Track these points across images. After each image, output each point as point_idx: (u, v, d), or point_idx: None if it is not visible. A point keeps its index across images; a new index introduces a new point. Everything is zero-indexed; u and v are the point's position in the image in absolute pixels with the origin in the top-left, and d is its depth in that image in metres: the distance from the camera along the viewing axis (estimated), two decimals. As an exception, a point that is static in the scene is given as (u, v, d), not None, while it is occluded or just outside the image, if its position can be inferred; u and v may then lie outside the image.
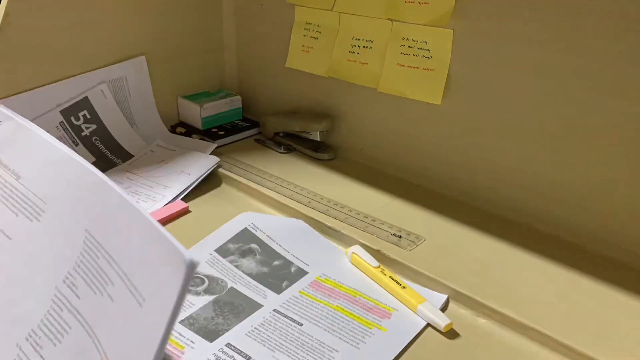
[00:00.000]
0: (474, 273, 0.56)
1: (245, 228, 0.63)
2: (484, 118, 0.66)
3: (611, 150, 0.57)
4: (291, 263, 0.58)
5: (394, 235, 0.62)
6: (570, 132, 0.59)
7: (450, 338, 0.50)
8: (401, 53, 0.71)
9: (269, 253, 0.60)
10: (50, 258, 0.38)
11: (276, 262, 0.59)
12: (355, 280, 0.56)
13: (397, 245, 0.60)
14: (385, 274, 0.57)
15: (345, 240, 0.62)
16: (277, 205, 0.69)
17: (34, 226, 0.40)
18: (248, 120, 0.92)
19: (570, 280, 0.56)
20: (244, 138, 0.88)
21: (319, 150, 0.82)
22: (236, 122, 0.91)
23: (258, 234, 0.62)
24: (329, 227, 0.64)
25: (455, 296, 0.54)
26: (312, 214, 0.66)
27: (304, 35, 0.82)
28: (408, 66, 0.70)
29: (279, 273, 0.57)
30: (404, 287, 0.55)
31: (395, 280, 0.56)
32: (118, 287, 0.34)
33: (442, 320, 0.50)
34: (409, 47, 0.70)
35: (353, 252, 0.59)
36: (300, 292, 0.54)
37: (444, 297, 0.54)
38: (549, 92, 0.60)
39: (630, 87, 0.54)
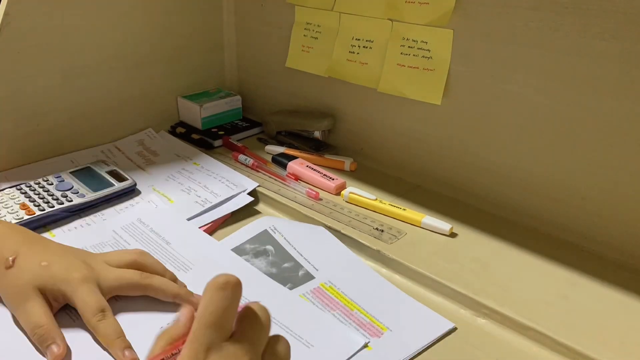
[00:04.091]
0: (474, 273, 0.56)
1: (265, 230, 0.63)
2: (484, 118, 0.66)
3: (611, 151, 0.57)
4: (301, 266, 0.58)
5: (376, 229, 0.63)
6: (570, 133, 0.59)
7: (450, 338, 0.50)
8: (401, 53, 0.71)
9: (282, 255, 0.60)
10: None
11: (286, 264, 0.59)
12: (360, 292, 0.55)
13: (379, 239, 0.61)
14: (384, 203, 0.66)
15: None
16: (269, 201, 0.70)
17: (180, 274, 0.55)
18: (248, 120, 0.92)
19: (570, 280, 0.56)
20: (244, 138, 0.88)
21: (320, 150, 0.82)
22: (236, 122, 0.91)
23: (276, 236, 0.62)
24: (340, 232, 0.64)
25: (455, 296, 0.54)
26: (311, 214, 0.66)
27: (304, 35, 0.82)
28: (408, 66, 0.70)
29: (286, 275, 0.57)
30: (404, 209, 0.64)
31: (394, 206, 0.65)
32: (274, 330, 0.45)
33: (445, 226, 0.61)
34: (409, 47, 0.70)
35: (350, 192, 0.68)
36: (300, 296, 0.54)
37: (451, 325, 0.51)
38: (549, 92, 0.60)
39: (631, 88, 0.54)
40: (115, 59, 0.81)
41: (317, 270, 0.58)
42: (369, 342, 0.48)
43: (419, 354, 0.48)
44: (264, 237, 0.62)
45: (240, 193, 0.70)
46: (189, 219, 0.65)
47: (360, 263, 0.59)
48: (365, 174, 0.76)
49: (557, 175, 0.62)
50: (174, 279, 0.53)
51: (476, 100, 0.66)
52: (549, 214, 0.63)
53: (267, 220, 0.65)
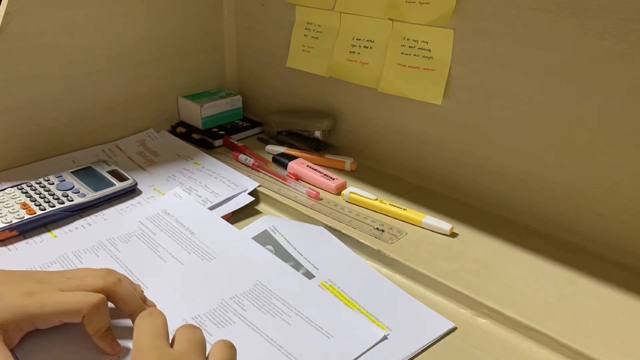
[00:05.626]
0: (474, 273, 0.56)
1: (266, 230, 0.64)
2: (484, 118, 0.66)
3: (611, 151, 0.57)
4: (301, 265, 0.58)
5: (377, 229, 0.63)
6: (570, 133, 0.59)
7: (450, 338, 0.50)
8: (402, 53, 0.71)
9: (282, 255, 0.60)
10: (218, 284, 0.55)
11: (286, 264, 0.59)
12: (360, 291, 0.55)
13: (379, 239, 0.61)
14: (384, 203, 0.66)
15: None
16: (270, 201, 0.70)
17: (204, 263, 0.58)
18: (248, 120, 0.93)
19: (570, 280, 0.56)
20: (244, 138, 0.88)
21: (321, 149, 0.82)
22: (236, 122, 0.92)
23: (276, 236, 0.62)
24: (335, 229, 0.64)
25: (455, 296, 0.54)
26: (311, 214, 0.66)
27: (305, 35, 0.83)
28: (408, 66, 0.70)
29: None
30: (404, 209, 0.65)
31: (394, 206, 0.65)
32: (295, 319, 0.50)
33: (445, 226, 0.62)
34: (409, 47, 0.70)
35: (350, 192, 0.68)
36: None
37: (451, 324, 0.51)
38: (549, 92, 0.60)
39: (631, 88, 0.54)
40: (116, 59, 0.81)
41: (317, 269, 0.58)
42: (388, 334, 0.49)
43: (419, 353, 0.48)
44: (264, 237, 0.63)
45: (240, 193, 0.70)
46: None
47: (361, 262, 0.59)
48: (366, 174, 0.76)
49: (557, 175, 0.62)
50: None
51: (476, 100, 0.66)
52: (550, 214, 0.63)
53: (267, 220, 0.65)
